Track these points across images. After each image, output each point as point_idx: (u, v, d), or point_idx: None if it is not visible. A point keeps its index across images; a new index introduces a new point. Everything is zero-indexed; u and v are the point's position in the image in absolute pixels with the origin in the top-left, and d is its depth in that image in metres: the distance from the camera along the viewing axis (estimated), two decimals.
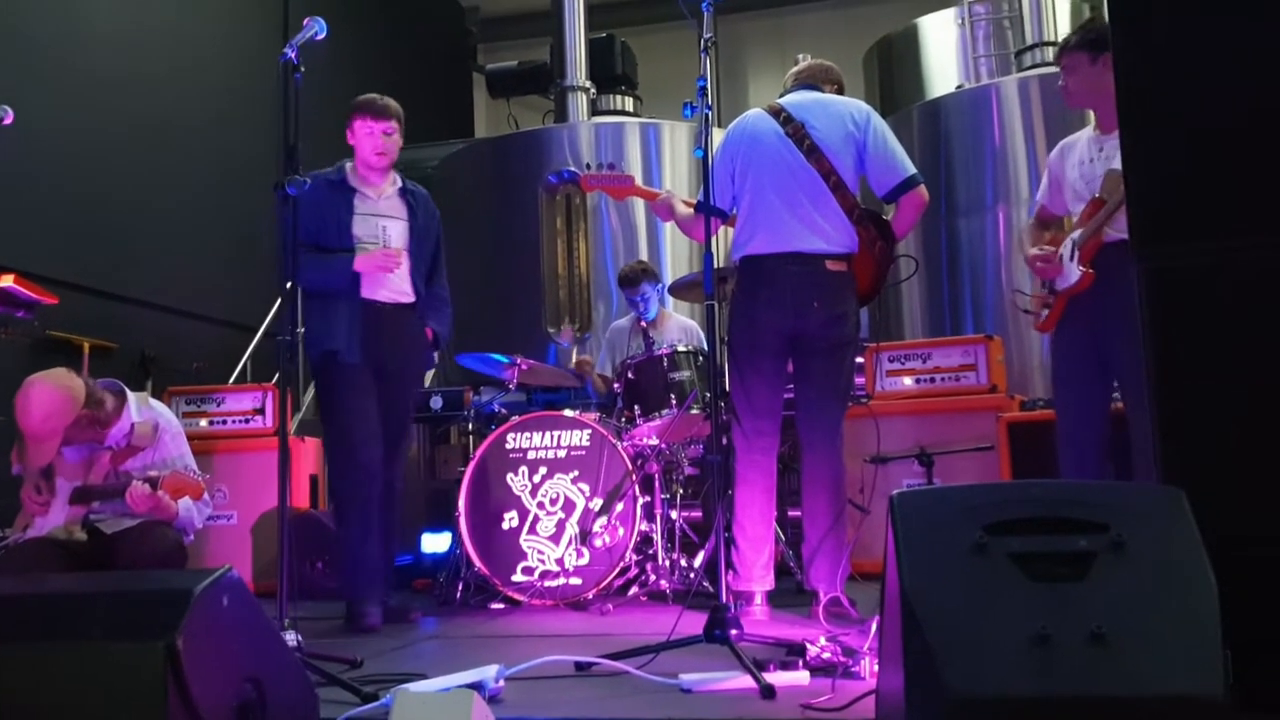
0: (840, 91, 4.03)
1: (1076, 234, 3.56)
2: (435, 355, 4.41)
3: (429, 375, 6.29)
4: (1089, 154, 3.63)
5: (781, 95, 4.02)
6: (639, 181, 4.28)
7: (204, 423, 5.41)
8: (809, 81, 4.01)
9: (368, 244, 4.05)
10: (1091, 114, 3.79)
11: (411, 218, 4.22)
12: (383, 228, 4.11)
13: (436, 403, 5.79)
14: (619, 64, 8.21)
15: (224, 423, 5.40)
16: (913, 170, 3.81)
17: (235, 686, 1.96)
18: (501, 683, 2.52)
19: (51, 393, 3.45)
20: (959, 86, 7.63)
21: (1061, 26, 7.22)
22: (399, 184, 4.28)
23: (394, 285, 4.11)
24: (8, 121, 3.73)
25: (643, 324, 5.34)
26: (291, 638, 2.73)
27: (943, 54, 8.28)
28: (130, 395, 3.71)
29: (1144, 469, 3.36)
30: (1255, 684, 1.73)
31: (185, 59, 7.49)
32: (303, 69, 3.07)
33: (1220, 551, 1.69)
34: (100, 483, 3.60)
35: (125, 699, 1.82)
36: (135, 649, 1.83)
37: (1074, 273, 3.54)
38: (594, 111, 8.01)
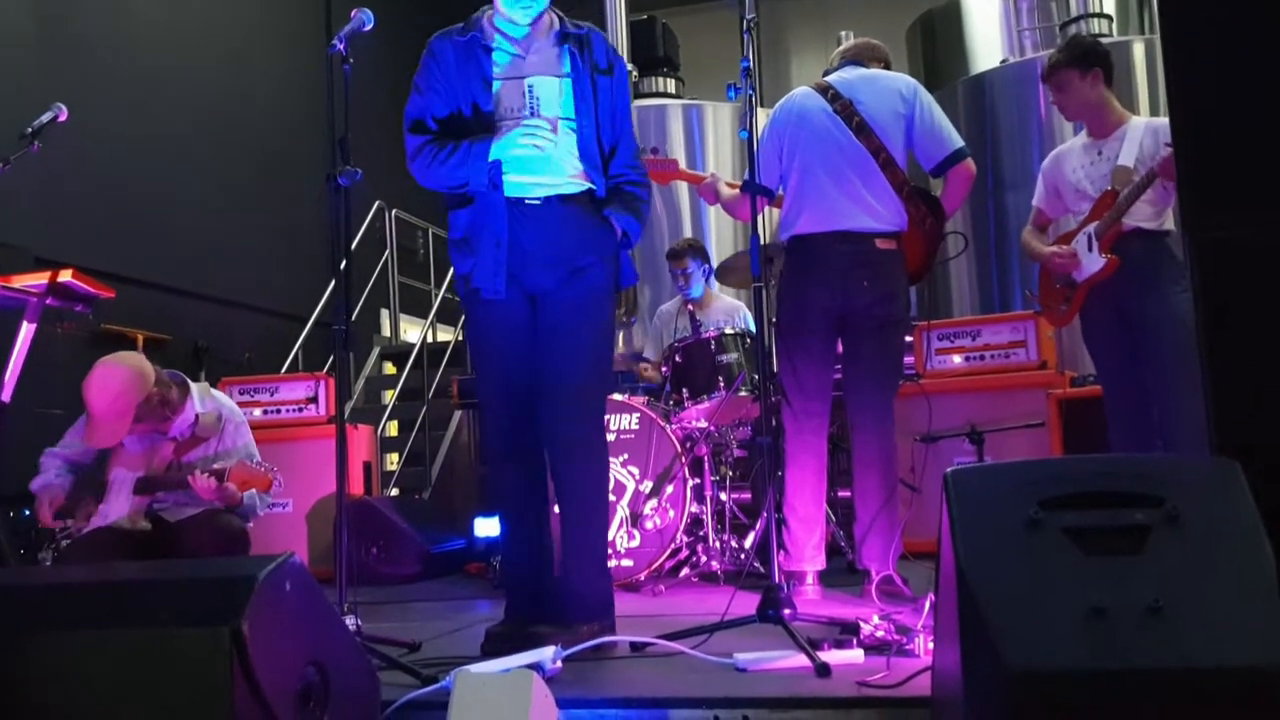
0: (886, 68, 4.01)
1: (1092, 226, 3.73)
2: (631, 263, 3.33)
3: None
4: (1087, 158, 3.83)
5: (827, 73, 3.99)
6: (683, 165, 4.28)
7: (258, 412, 5.50)
8: (856, 59, 3.98)
9: (507, 119, 3.06)
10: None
11: (576, 74, 3.13)
12: (530, 91, 3.08)
13: None
14: (661, 46, 8.18)
15: (277, 412, 5.49)
16: (960, 143, 3.79)
17: (299, 670, 1.99)
18: (558, 663, 2.55)
19: (123, 372, 3.51)
20: (1003, 61, 7.52)
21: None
22: (557, 27, 3.19)
23: (552, 171, 3.07)
24: (62, 119, 3.80)
25: (689, 306, 5.34)
26: (351, 622, 2.77)
27: (986, 28, 8.17)
28: (193, 386, 3.77)
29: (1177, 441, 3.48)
30: None
31: (232, 51, 7.59)
32: (351, 60, 3.10)
33: (1275, 520, 1.67)
34: (163, 473, 3.67)
35: (192, 683, 1.86)
36: (201, 634, 1.87)
37: (1095, 262, 3.70)
38: (636, 94, 7.99)
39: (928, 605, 2.65)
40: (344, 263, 3.03)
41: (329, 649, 2.12)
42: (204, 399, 3.76)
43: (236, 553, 3.68)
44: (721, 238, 7.22)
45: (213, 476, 3.51)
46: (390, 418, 7.92)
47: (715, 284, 5.65)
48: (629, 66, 7.91)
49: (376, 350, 9.01)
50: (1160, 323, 3.57)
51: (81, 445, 3.72)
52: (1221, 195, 2.15)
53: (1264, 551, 1.59)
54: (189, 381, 3.77)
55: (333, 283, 3.09)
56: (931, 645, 2.38)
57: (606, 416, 4.44)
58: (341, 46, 3.04)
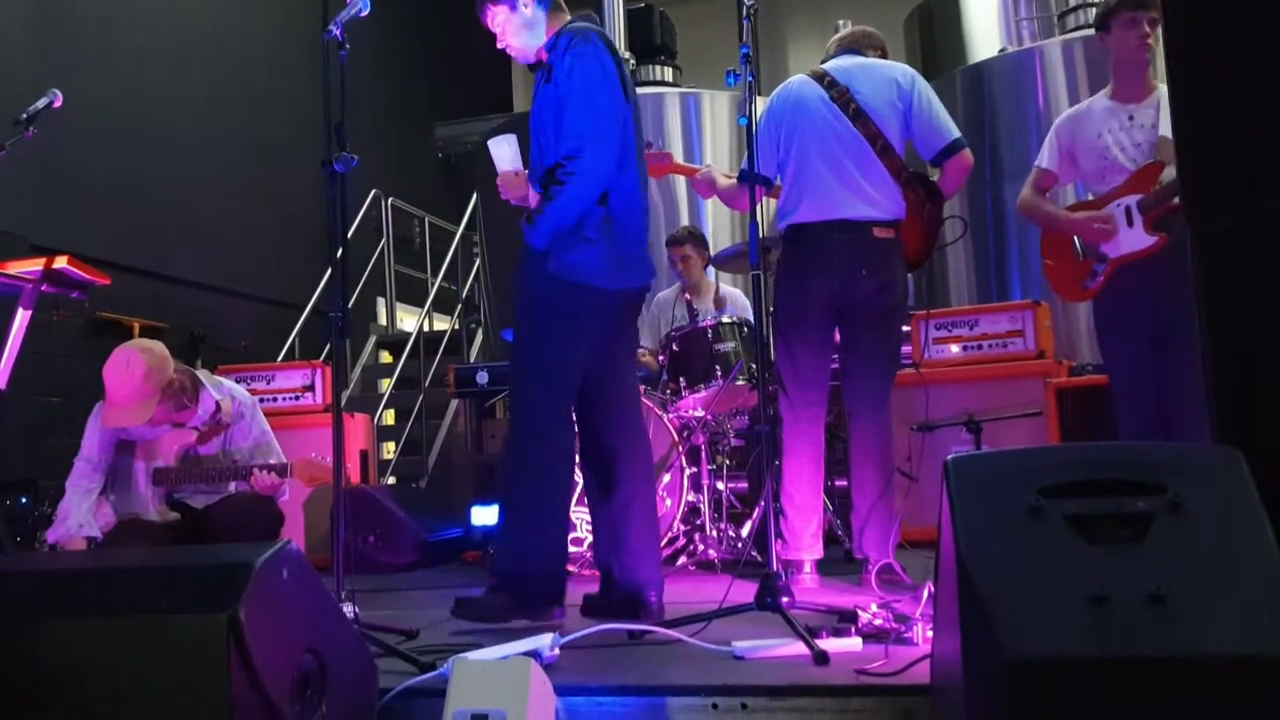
0: (883, 56, 3.99)
1: (1132, 199, 3.52)
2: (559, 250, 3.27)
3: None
4: (1116, 122, 3.59)
5: (824, 61, 3.98)
6: (679, 155, 4.27)
7: None
8: (852, 46, 3.97)
9: None
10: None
11: (535, 101, 3.33)
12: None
13: (483, 378, 5.82)
14: (658, 34, 8.15)
15: (274, 400, 5.48)
16: (958, 133, 3.78)
17: (296, 657, 1.99)
18: (556, 651, 2.55)
19: (146, 357, 3.49)
20: (1002, 50, 7.50)
21: None
22: (545, 57, 3.35)
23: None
24: (57, 104, 3.78)
25: (686, 295, 5.33)
26: (349, 609, 2.77)
27: (985, 17, 8.14)
28: (203, 376, 3.77)
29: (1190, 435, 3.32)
30: None
31: (228, 37, 7.56)
32: (347, 46, 3.08)
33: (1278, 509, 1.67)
34: (184, 464, 3.66)
35: (189, 670, 1.86)
36: (198, 621, 1.87)
37: (1139, 239, 3.50)
38: (634, 82, 7.98)
39: (926, 593, 2.65)
40: (340, 251, 3.02)
41: (326, 636, 2.11)
42: (218, 387, 3.76)
43: (273, 538, 3.67)
44: (719, 228, 7.20)
45: (273, 473, 3.52)
46: (387, 406, 7.92)
47: (713, 272, 5.64)
48: (626, 55, 7.89)
49: (373, 339, 9.00)
50: (1189, 316, 3.39)
51: (98, 437, 3.68)
52: (1224, 185, 2.14)
53: (1266, 540, 1.59)
54: (196, 373, 3.76)
55: (329, 271, 3.06)
56: (930, 633, 2.38)
57: None
58: (337, 32, 3.03)
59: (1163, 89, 3.50)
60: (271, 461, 3.64)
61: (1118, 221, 3.55)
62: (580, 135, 3.16)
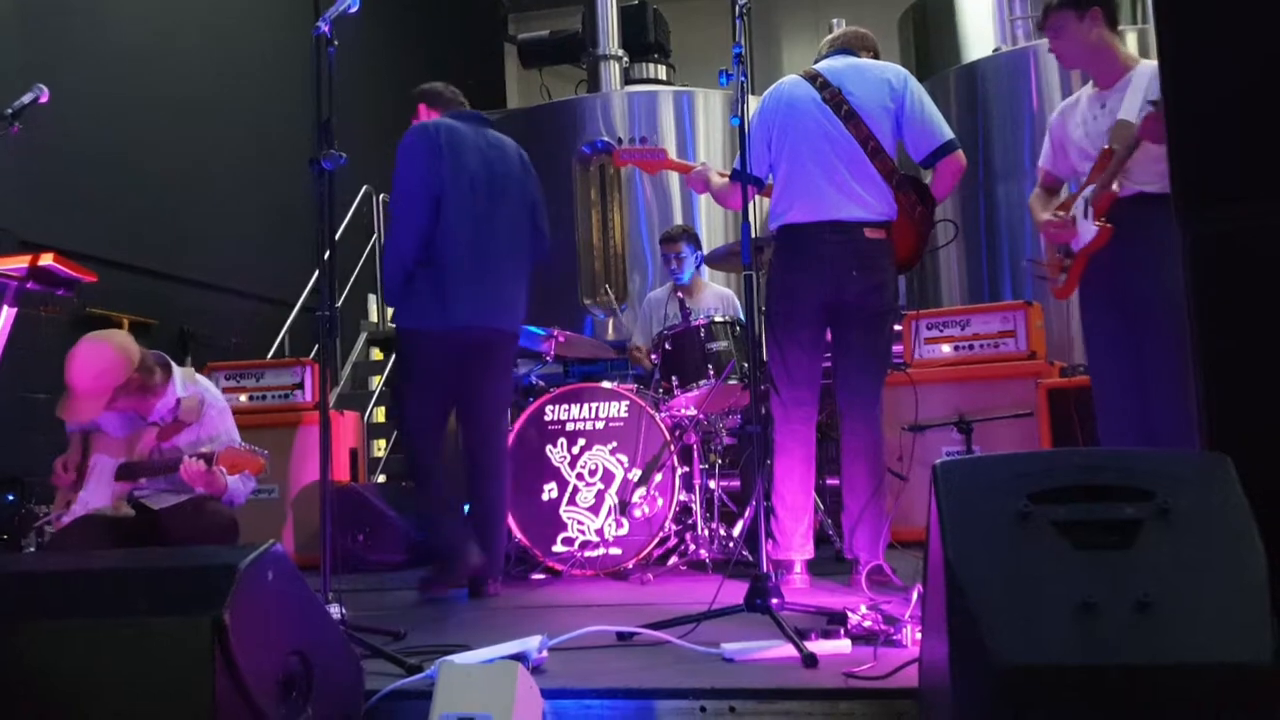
0: (876, 57, 3.98)
1: (1088, 191, 3.47)
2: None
3: None
4: (1092, 111, 3.53)
5: (817, 61, 3.97)
6: (672, 154, 4.27)
7: (243, 398, 5.47)
8: (845, 47, 3.96)
9: None
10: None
11: None
12: None
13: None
14: (652, 32, 8.15)
15: (264, 397, 5.46)
16: (950, 135, 3.77)
17: (281, 660, 1.98)
18: (544, 653, 2.53)
19: (108, 351, 3.47)
20: (996, 49, 7.50)
21: None
22: None
23: None
24: (44, 100, 3.75)
25: (679, 294, 5.32)
26: (336, 611, 2.75)
27: (979, 17, 8.14)
28: (176, 369, 3.73)
29: (1170, 429, 3.26)
30: None
31: (218, 32, 7.52)
32: (336, 43, 3.07)
33: (1269, 515, 1.66)
34: (146, 459, 3.63)
35: (173, 673, 1.85)
36: (183, 624, 1.86)
37: (1088, 230, 3.44)
38: (627, 80, 7.97)
39: (915, 595, 2.64)
40: (328, 248, 3.00)
41: (312, 638, 2.10)
42: (186, 383, 3.72)
43: (226, 544, 3.65)
44: (713, 225, 7.21)
45: (201, 460, 3.47)
46: (378, 404, 7.89)
47: (706, 271, 5.64)
48: (620, 53, 7.89)
49: (364, 336, 8.97)
50: (1153, 306, 3.29)
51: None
52: (1216, 187, 2.13)
53: (1254, 547, 1.58)
54: (171, 363, 3.73)
55: (318, 268, 3.06)
56: (919, 636, 2.37)
57: (595, 404, 4.48)
58: (326, 29, 3.01)
59: (1138, 69, 3.44)
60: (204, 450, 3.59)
61: (1078, 215, 3.50)
62: (391, 219, 3.95)
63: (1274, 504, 1.72)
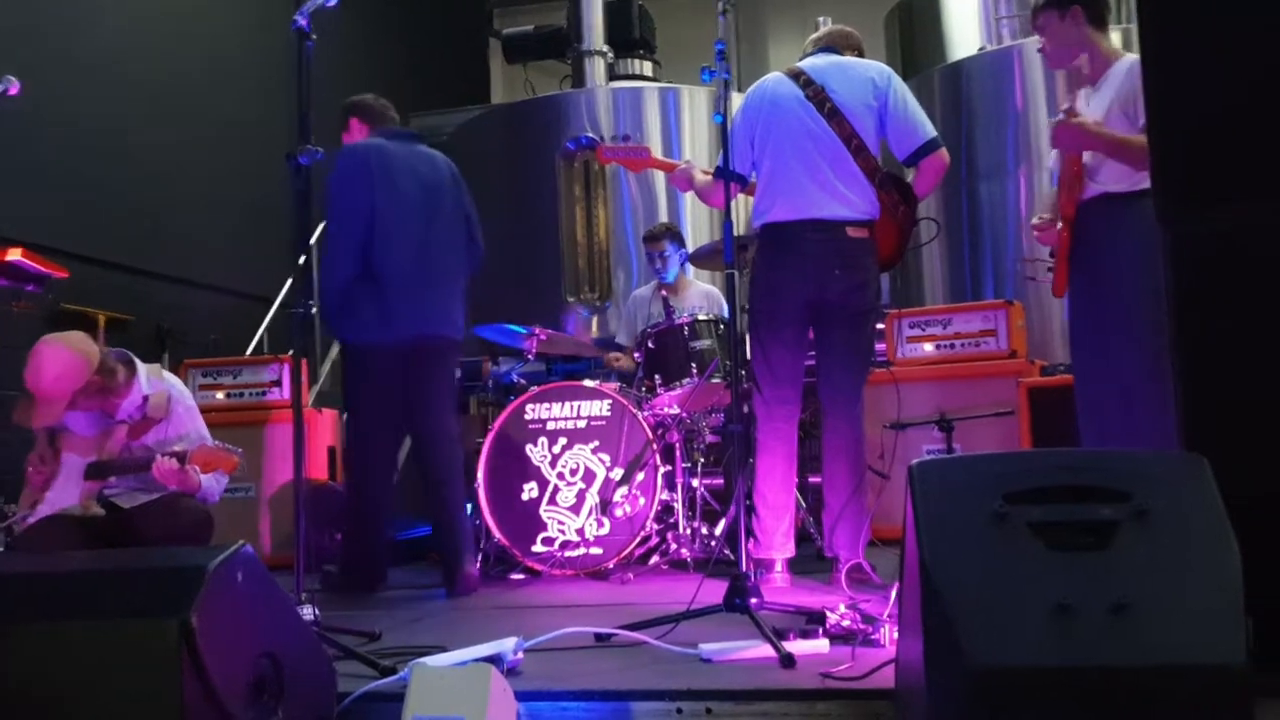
0: (860, 56, 3.97)
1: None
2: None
3: None
4: (1080, 109, 3.47)
5: (801, 59, 3.96)
6: (657, 151, 4.25)
7: (221, 395, 5.42)
8: (829, 45, 3.95)
9: None
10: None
11: None
12: None
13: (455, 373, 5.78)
14: (637, 28, 8.12)
15: (241, 395, 5.41)
16: (934, 133, 3.76)
17: (251, 662, 1.95)
18: (520, 654, 2.51)
19: (65, 354, 3.43)
20: (981, 49, 7.50)
21: None
22: None
23: None
24: (13, 92, 3.69)
25: (663, 292, 5.30)
26: (309, 611, 2.72)
27: (964, 16, 8.14)
28: (140, 366, 3.68)
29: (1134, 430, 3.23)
30: (1276, 645, 1.71)
31: (197, 25, 7.46)
32: (314, 37, 3.03)
33: (1244, 516, 1.65)
34: (116, 457, 3.59)
35: (140, 676, 1.82)
36: (150, 626, 1.83)
37: (1053, 234, 3.45)
38: (612, 76, 7.94)
39: (894, 593, 2.63)
40: (306, 244, 2.97)
41: (283, 640, 2.08)
42: (151, 380, 3.68)
43: (201, 540, 3.62)
44: (698, 223, 7.18)
45: (174, 459, 3.43)
46: None
47: (691, 269, 5.62)
48: (605, 49, 7.86)
49: None
50: (1116, 306, 3.25)
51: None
52: (1197, 189, 2.13)
53: (1230, 549, 1.57)
54: (136, 361, 3.68)
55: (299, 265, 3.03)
56: (897, 635, 2.36)
57: (577, 403, 4.46)
58: (304, 22, 2.97)
59: (1119, 61, 3.40)
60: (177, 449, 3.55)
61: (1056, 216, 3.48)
62: (327, 240, 4.08)
63: (1249, 505, 1.72)
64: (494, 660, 2.38)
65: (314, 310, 3.01)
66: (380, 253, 4.00)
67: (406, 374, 4.07)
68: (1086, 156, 3.35)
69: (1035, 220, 3.63)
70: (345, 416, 4.08)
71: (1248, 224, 2.06)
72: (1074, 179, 3.37)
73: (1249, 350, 2.03)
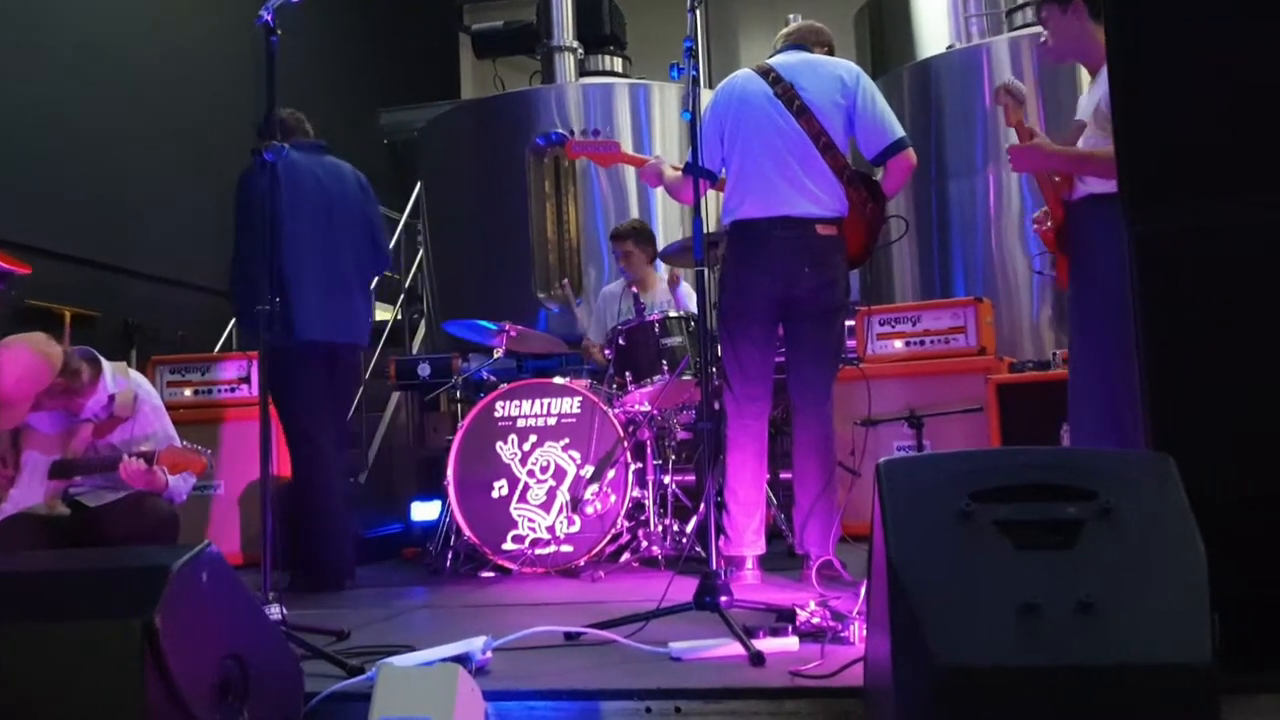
0: (830, 53, 3.97)
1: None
2: None
3: None
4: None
5: (770, 56, 3.96)
6: (627, 147, 4.24)
7: (189, 392, 5.37)
8: (799, 42, 3.95)
9: None
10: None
11: None
12: None
13: (424, 369, 5.75)
14: (607, 24, 8.09)
15: (209, 392, 5.37)
16: (901, 133, 3.77)
17: (216, 663, 1.94)
18: (489, 654, 2.50)
19: (27, 357, 3.38)
20: (950, 47, 7.53)
21: None
22: None
23: None
24: None
25: (633, 289, 5.29)
26: (276, 611, 2.70)
27: (934, 14, 8.16)
28: (105, 364, 3.64)
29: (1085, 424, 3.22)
30: (1241, 643, 1.73)
31: (163, 18, 7.37)
32: (280, 31, 3.00)
33: (1210, 514, 1.67)
34: (81, 456, 3.54)
35: (103, 678, 1.81)
36: (112, 627, 1.81)
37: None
38: (582, 72, 7.91)
39: (864, 590, 2.64)
40: (275, 240, 2.95)
41: (249, 641, 2.06)
42: (116, 378, 3.63)
43: (167, 539, 3.58)
44: (669, 220, 7.17)
45: (141, 459, 3.39)
46: None
47: (662, 266, 5.61)
48: (575, 44, 7.84)
49: None
50: (1094, 305, 3.25)
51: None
52: (1161, 188, 2.14)
53: (1195, 548, 1.59)
54: (100, 359, 3.64)
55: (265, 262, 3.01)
56: (866, 632, 2.37)
57: (547, 400, 4.45)
58: (269, 17, 2.94)
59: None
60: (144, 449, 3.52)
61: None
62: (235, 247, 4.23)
63: (1215, 503, 1.73)
64: (462, 660, 2.37)
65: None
66: (286, 259, 4.11)
67: (310, 377, 4.20)
68: None
69: (1036, 215, 3.59)
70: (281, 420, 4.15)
71: (1212, 223, 2.08)
72: (1061, 182, 3.37)
73: (1214, 349, 2.04)
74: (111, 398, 3.57)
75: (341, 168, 4.43)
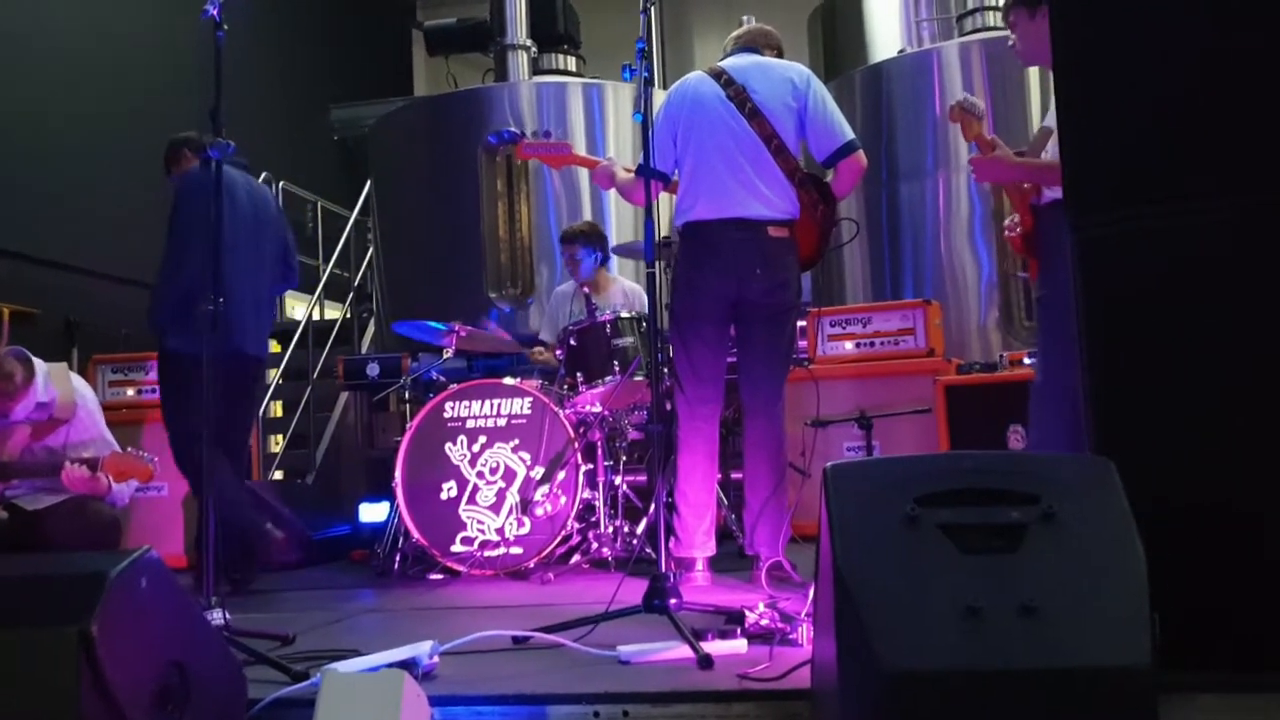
0: (780, 56, 3.99)
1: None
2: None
3: None
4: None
5: (722, 59, 3.97)
6: (581, 147, 4.23)
7: (131, 391, 5.28)
8: (750, 45, 3.96)
9: None
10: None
11: None
12: None
13: (373, 369, 5.70)
14: (561, 22, 8.07)
15: (152, 392, 5.27)
16: (852, 136, 3.79)
17: (155, 671, 1.90)
18: (436, 658, 2.48)
19: None
20: (901, 51, 7.59)
21: None
22: None
23: None
24: None
25: (584, 289, 5.28)
26: (218, 615, 2.66)
27: (885, 18, 8.24)
28: (39, 366, 3.56)
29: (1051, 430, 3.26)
30: (1181, 644, 1.75)
31: (105, 12, 7.24)
32: (226, 27, 2.96)
33: (1150, 517, 1.69)
34: (18, 459, 3.47)
35: (37, 688, 1.77)
36: (47, 635, 1.77)
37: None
38: (535, 71, 7.88)
39: (812, 591, 2.65)
40: (219, 238, 2.91)
41: (190, 647, 2.03)
42: (47, 383, 3.56)
43: (109, 544, 3.52)
44: (622, 220, 7.16)
45: (84, 466, 3.33)
46: (274, 398, 7.69)
47: (615, 266, 5.60)
48: (528, 43, 7.80)
49: None
50: (1041, 302, 3.31)
51: None
52: (1103, 192, 2.17)
53: (1135, 551, 1.61)
54: (35, 361, 3.56)
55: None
56: (813, 634, 2.38)
57: (497, 400, 4.42)
58: (215, 12, 2.90)
59: None
60: (87, 455, 3.45)
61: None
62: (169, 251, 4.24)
63: (1155, 506, 1.76)
64: (409, 664, 2.35)
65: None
66: (219, 268, 4.15)
67: (225, 386, 4.14)
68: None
69: (1007, 223, 3.62)
70: (170, 425, 4.10)
71: (1154, 227, 2.10)
72: (1029, 188, 3.39)
73: (1156, 354, 2.07)
74: (50, 401, 3.50)
75: (263, 187, 4.57)
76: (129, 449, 3.46)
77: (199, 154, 4.47)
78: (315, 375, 7.56)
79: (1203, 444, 1.99)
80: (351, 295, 8.52)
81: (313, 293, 8.43)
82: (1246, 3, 2.07)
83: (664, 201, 4.52)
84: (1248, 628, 1.92)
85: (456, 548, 4.32)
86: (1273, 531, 1.93)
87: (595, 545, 4.42)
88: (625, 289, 5.48)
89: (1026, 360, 4.86)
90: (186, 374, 4.11)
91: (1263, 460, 1.96)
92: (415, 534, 4.37)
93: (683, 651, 2.53)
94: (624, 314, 4.59)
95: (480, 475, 4.38)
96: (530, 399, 4.41)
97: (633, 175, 3.94)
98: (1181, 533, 1.89)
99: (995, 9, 7.14)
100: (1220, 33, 2.08)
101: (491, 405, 4.44)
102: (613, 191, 5.88)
